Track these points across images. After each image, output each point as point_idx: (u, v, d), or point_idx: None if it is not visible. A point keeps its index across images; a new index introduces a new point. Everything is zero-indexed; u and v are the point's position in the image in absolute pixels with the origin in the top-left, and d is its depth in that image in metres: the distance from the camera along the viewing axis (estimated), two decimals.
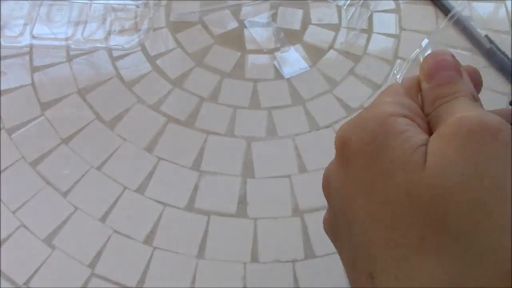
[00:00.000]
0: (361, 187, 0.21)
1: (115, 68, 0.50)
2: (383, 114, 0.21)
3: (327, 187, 0.24)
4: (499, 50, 0.50)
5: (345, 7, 0.54)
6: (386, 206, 0.20)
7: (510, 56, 0.49)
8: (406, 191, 0.19)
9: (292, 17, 0.54)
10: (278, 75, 0.50)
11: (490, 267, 0.17)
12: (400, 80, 0.25)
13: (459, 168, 0.18)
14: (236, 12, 0.54)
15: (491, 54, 0.50)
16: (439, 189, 0.18)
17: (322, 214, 0.46)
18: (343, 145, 0.22)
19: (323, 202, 0.45)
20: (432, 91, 0.23)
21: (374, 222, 0.20)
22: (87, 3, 0.54)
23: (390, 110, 0.21)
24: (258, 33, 0.53)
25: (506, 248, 0.17)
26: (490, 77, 0.49)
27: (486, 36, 0.51)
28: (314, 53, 0.51)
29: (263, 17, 0.54)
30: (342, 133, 0.22)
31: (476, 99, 0.22)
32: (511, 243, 0.17)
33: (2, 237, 0.41)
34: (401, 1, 0.55)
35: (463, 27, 0.52)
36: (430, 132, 0.22)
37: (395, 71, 0.29)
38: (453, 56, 0.24)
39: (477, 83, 0.25)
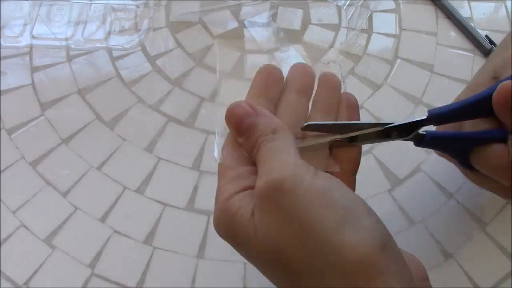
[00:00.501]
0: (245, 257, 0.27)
1: (115, 68, 0.50)
2: (222, 202, 0.26)
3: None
4: None
5: (345, 7, 0.54)
6: (256, 264, 0.26)
7: None
8: (257, 253, 0.25)
9: (292, 17, 0.54)
10: None
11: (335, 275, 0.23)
12: (219, 157, 0.30)
13: (273, 226, 0.24)
14: (236, 12, 0.54)
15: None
16: (271, 246, 0.24)
17: None
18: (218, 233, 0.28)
19: None
20: (245, 144, 0.28)
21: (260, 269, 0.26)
22: (87, 3, 0.54)
23: (226, 195, 0.26)
24: (258, 33, 0.53)
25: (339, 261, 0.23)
26: None
27: (486, 36, 0.51)
28: (314, 53, 0.51)
29: (263, 17, 0.54)
30: (213, 223, 0.28)
31: (276, 132, 0.27)
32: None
33: (2, 237, 0.41)
34: (401, 1, 0.55)
35: (463, 27, 0.52)
36: None
37: (214, 153, 0.34)
38: (244, 103, 0.28)
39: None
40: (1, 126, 0.47)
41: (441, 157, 0.38)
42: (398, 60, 0.51)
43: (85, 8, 0.54)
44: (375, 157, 0.45)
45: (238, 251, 0.27)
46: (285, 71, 0.51)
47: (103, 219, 0.42)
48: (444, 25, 0.53)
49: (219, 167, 0.29)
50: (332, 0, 0.55)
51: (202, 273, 0.40)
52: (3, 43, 0.52)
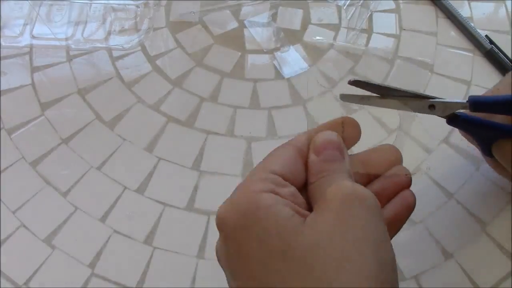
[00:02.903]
0: (239, 257, 0.25)
1: (115, 68, 0.50)
2: (251, 192, 0.25)
3: (220, 261, 0.28)
4: (499, 50, 0.50)
5: (345, 7, 0.54)
6: (262, 266, 0.23)
7: (510, 56, 0.49)
8: (282, 250, 0.23)
9: (292, 17, 0.54)
10: (278, 75, 0.50)
11: None
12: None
13: (331, 230, 0.23)
14: (236, 12, 0.54)
15: (491, 54, 0.50)
16: (311, 247, 0.23)
17: None
18: (221, 224, 0.26)
19: None
20: (317, 164, 0.28)
21: (254, 283, 0.24)
22: (87, 3, 0.54)
23: (257, 188, 0.25)
24: (258, 33, 0.53)
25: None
26: (491, 77, 0.49)
27: (486, 36, 0.51)
28: (314, 53, 0.51)
29: (263, 17, 0.54)
30: (219, 213, 0.26)
31: (350, 176, 0.27)
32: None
33: (2, 237, 0.41)
34: (401, 1, 0.55)
35: (463, 27, 0.52)
36: (306, 197, 0.27)
37: None
38: (339, 138, 0.29)
39: (356, 133, 0.31)
40: (1, 126, 0.47)
41: (441, 157, 0.38)
42: (398, 60, 0.51)
43: (85, 8, 0.54)
44: None
45: (238, 241, 0.25)
46: (285, 71, 0.51)
47: (103, 219, 0.42)
48: (444, 25, 0.53)
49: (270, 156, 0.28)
50: (332, 0, 0.55)
51: (202, 273, 0.40)
52: (3, 43, 0.52)
